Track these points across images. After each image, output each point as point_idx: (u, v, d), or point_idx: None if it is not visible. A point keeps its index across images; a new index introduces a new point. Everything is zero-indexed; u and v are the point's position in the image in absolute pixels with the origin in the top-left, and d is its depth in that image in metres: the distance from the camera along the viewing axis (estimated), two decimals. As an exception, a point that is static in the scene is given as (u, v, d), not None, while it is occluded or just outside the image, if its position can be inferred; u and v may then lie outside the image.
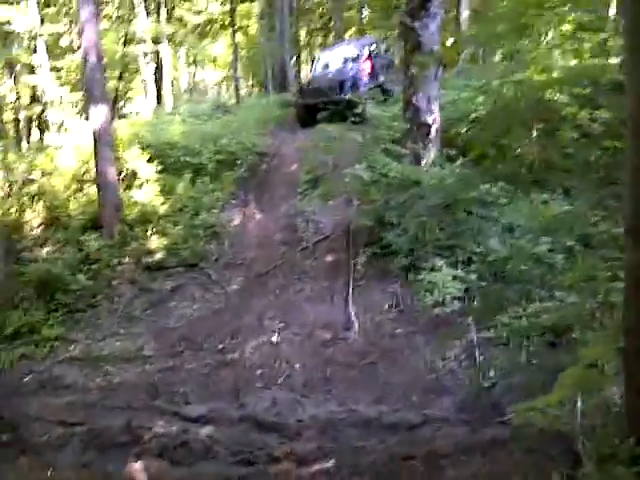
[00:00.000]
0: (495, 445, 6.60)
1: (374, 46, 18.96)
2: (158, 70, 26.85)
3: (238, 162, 13.52)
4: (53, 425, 8.25)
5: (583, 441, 4.41)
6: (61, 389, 9.18)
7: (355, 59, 17.24)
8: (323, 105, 14.61)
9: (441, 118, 11.04)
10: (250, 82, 42.78)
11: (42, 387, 9.23)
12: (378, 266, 10.68)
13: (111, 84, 25.84)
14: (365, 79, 16.65)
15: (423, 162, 10.95)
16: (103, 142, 11.77)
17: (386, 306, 10.18)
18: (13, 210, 13.05)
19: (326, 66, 17.98)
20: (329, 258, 11.05)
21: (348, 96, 14.80)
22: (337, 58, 17.98)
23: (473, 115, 11.37)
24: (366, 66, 16.99)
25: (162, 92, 26.33)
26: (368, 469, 6.70)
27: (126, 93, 30.70)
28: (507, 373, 7.86)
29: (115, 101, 26.89)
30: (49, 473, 6.48)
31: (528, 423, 5.20)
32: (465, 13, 19.71)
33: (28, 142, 23.15)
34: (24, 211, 13.00)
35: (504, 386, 7.60)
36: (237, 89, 23.94)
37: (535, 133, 11.16)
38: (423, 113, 10.73)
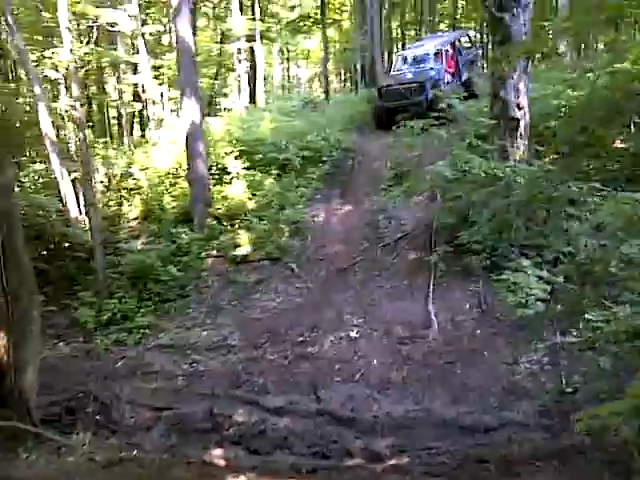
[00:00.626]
0: (574, 453, 6.40)
1: (459, 41, 18.30)
2: (252, 67, 27.51)
3: (323, 158, 13.71)
4: (142, 409, 8.75)
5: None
6: (150, 374, 9.67)
7: (437, 56, 16.58)
8: (402, 108, 14.55)
9: (530, 112, 10.65)
10: (342, 78, 42.97)
11: (133, 372, 9.74)
12: (460, 265, 10.49)
13: (206, 82, 26.82)
14: (447, 78, 16.11)
15: (510, 158, 10.61)
16: (194, 138, 12.27)
17: (467, 306, 10.01)
18: (112, 203, 13.85)
19: (407, 64, 17.34)
20: (410, 255, 10.99)
21: (429, 96, 14.69)
22: (418, 56, 17.26)
23: (563, 109, 10.90)
24: (448, 65, 16.33)
25: (256, 89, 26.95)
26: (440, 469, 6.68)
27: (222, 90, 31.66)
28: (591, 379, 7.55)
29: (211, 99, 27.84)
30: (135, 453, 6.85)
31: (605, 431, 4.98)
32: (563, 1, 18.88)
33: (130, 138, 24.46)
34: (122, 204, 13.78)
35: (587, 392, 7.30)
36: (327, 85, 24.09)
37: (633, 127, 10.60)
38: (511, 107, 10.39)
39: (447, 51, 16.64)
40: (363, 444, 7.63)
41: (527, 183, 9.79)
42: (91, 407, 8.76)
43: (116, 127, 26.09)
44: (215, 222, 12.35)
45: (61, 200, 12.86)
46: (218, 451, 7.67)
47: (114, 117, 26.53)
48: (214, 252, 11.83)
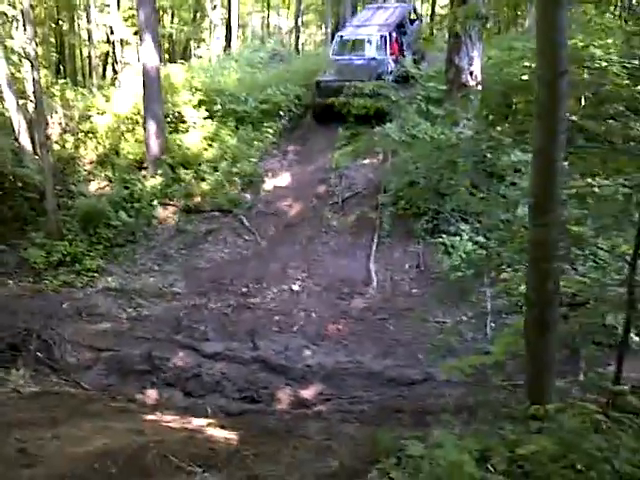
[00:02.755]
0: (482, 406, 6.85)
1: (406, 17, 16.45)
2: (228, 14, 26.86)
3: (281, 113, 13.72)
4: (83, 349, 8.97)
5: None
6: (95, 316, 9.87)
7: (381, 42, 14.68)
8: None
9: (484, 81, 10.82)
10: (324, 30, 42.07)
11: (79, 313, 9.91)
12: (404, 226, 10.82)
13: (178, 27, 26.28)
14: (391, 66, 14.22)
15: (461, 125, 10.83)
16: (151, 85, 12.16)
17: (407, 265, 10.40)
18: (69, 145, 13.71)
19: (347, 50, 15.49)
20: (357, 214, 11.24)
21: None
22: (360, 39, 15.43)
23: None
24: (392, 50, 14.56)
25: (230, 37, 26.38)
26: (358, 417, 7.07)
27: (198, 36, 30.86)
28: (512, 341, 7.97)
29: (187, 44, 27.30)
30: (74, 390, 7.10)
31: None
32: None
33: (97, 81, 23.88)
34: (78, 147, 13.65)
35: (510, 353, 7.74)
36: (297, 38, 23.86)
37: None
38: (464, 74, 10.57)
39: (391, 35, 14.86)
40: (292, 391, 8.01)
41: (473, 149, 10.05)
42: (34, 345, 8.93)
43: (87, 69, 25.39)
44: (169, 170, 12.37)
45: (16, 139, 12.70)
46: (153, 392, 7.97)
47: (86, 58, 25.76)
48: (166, 200, 11.90)
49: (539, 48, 2.88)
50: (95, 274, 10.86)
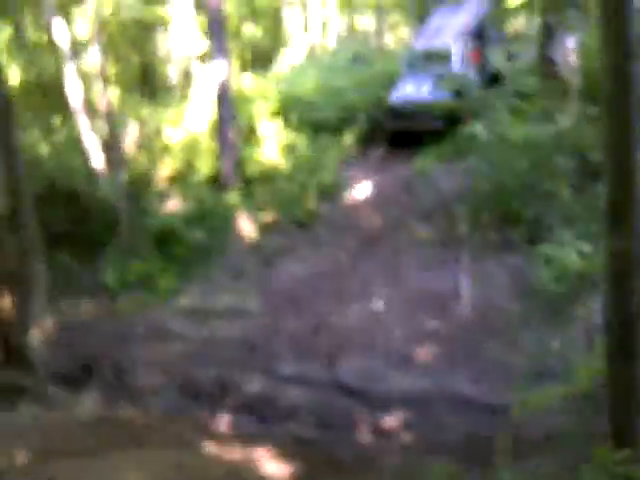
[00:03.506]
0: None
1: (482, 14, 14.97)
2: (305, 18, 27.30)
3: (361, 119, 13.65)
4: (155, 372, 9.22)
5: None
6: (169, 338, 10.12)
7: (458, 51, 13.81)
8: (415, 132, 12.63)
9: (581, 71, 10.32)
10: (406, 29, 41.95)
11: (152, 335, 10.21)
12: (498, 235, 10.42)
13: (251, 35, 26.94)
14: (472, 77, 13.41)
15: (559, 122, 10.37)
16: (223, 100, 12.49)
17: (501, 279, 9.98)
18: (143, 163, 14.27)
19: (419, 65, 14.31)
20: (445, 224, 10.95)
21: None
22: (434, 52, 14.27)
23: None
24: (473, 59, 13.83)
25: (312, 42, 26.75)
26: (444, 448, 6.80)
27: (278, 43, 31.52)
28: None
29: (270, 54, 27.90)
30: (139, 416, 7.26)
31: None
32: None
33: (175, 96, 24.86)
34: (152, 165, 14.18)
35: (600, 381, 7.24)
36: (380, 38, 23.82)
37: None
38: (559, 66, 10.13)
39: (471, 42, 13.95)
40: (372, 419, 7.84)
41: (574, 148, 9.60)
42: (106, 368, 9.30)
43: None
44: (244, 185, 12.60)
45: (89, 160, 13.34)
46: (224, 417, 8.04)
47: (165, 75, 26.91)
48: (241, 216, 12.09)
49: (603, 30, 2.63)
50: (170, 294, 11.14)
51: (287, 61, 23.87)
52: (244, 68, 26.60)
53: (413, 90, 13.48)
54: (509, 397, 7.73)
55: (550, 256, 9.57)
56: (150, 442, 4.67)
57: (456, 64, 13.69)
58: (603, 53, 2.71)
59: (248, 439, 6.58)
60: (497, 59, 12.74)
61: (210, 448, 4.75)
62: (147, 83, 25.49)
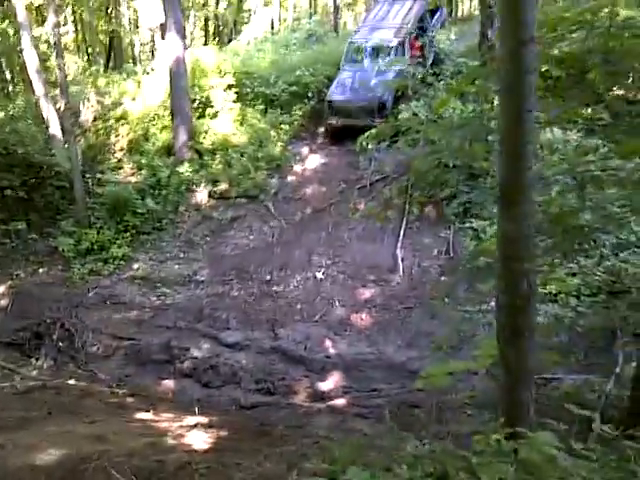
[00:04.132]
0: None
1: (421, 8, 14.03)
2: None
3: (310, 95, 13.37)
4: (105, 338, 9.03)
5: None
6: (119, 305, 9.93)
7: (400, 46, 12.89)
8: (355, 127, 11.18)
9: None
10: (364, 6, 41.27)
11: (103, 301, 10.00)
12: (434, 210, 10.42)
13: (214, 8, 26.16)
14: (411, 68, 12.28)
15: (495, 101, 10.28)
16: (177, 73, 12.04)
17: (435, 252, 10.01)
18: (100, 132, 13.80)
19: (360, 58, 13.32)
20: (385, 199, 10.89)
21: (388, 111, 11.91)
22: (376, 46, 13.24)
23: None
24: (412, 51, 12.89)
25: (271, 18, 26.05)
26: (374, 412, 6.82)
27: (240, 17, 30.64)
28: (545, 332, 7.54)
29: (234, 26, 27.18)
30: (78, 383, 7.08)
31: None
32: None
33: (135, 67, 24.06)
34: (109, 134, 13.73)
35: (541, 345, 7.34)
36: (335, 17, 23.28)
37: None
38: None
39: (412, 33, 13.12)
40: (309, 383, 7.83)
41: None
42: (57, 334, 9.04)
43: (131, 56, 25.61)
44: (196, 156, 12.28)
45: (47, 128, 12.82)
46: (169, 382, 7.93)
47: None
48: (193, 187, 11.82)
49: (502, 12, 2.52)
50: (122, 262, 10.89)
51: (247, 35, 23.27)
52: (206, 41, 25.93)
53: (351, 87, 12.71)
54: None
55: (481, 231, 9.63)
56: (83, 411, 4.54)
57: (395, 58, 12.64)
58: (501, 37, 2.61)
59: (189, 405, 6.44)
60: (439, 43, 12.43)
61: (143, 416, 4.63)
62: (113, 53, 24.66)
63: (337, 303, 9.42)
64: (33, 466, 3.25)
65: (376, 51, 13.12)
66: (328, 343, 8.67)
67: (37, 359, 8.00)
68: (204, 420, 4.58)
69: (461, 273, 9.18)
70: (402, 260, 9.89)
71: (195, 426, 4.25)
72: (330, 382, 7.87)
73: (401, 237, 10.24)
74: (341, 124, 12.27)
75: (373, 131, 10.52)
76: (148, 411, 4.75)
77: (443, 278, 9.56)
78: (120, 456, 3.32)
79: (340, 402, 7.26)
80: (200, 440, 3.83)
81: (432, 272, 9.70)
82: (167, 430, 4.06)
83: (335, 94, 12.68)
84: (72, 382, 5.81)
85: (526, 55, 2.46)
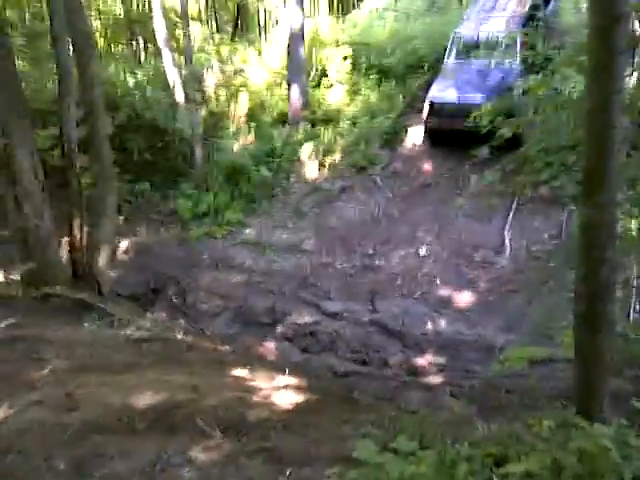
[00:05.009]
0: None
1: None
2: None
3: (425, 66, 13.19)
4: (214, 297, 9.63)
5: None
6: (230, 268, 10.47)
7: (511, 43, 11.42)
8: (459, 132, 10.30)
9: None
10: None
11: (215, 263, 10.59)
12: (548, 191, 10.05)
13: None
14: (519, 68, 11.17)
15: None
16: (294, 42, 12.33)
17: (546, 235, 9.71)
18: (222, 100, 14.39)
19: (467, 53, 12.04)
20: (499, 175, 10.60)
21: None
22: (483, 41, 11.94)
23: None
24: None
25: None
26: (465, 392, 6.86)
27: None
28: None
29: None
30: (199, 336, 7.66)
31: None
32: None
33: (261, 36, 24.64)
34: (230, 102, 14.28)
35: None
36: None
37: None
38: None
39: (525, 25, 11.35)
40: (404, 358, 7.98)
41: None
42: (172, 290, 9.78)
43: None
44: (310, 126, 12.56)
45: (172, 95, 13.55)
46: (270, 344, 8.37)
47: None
48: (304, 157, 12.11)
49: None
50: (234, 226, 11.43)
51: (369, 4, 23.14)
52: (331, 10, 26.01)
53: (456, 85, 11.45)
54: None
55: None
56: (185, 363, 4.97)
57: (506, 54, 11.35)
58: (590, 14, 2.53)
59: (285, 367, 6.77)
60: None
61: (239, 373, 4.99)
62: (240, 22, 25.41)
63: (439, 281, 9.44)
64: (129, 406, 3.67)
65: (485, 45, 11.87)
66: (426, 320, 8.75)
67: (152, 312, 8.66)
68: (294, 382, 4.86)
69: (566, 257, 8.91)
70: (509, 242, 9.70)
71: (284, 387, 4.53)
72: (425, 359, 7.98)
73: (510, 218, 10.01)
74: (444, 127, 11.17)
75: (489, 106, 10.25)
76: (244, 368, 5.10)
77: (551, 263, 9.28)
78: (207, 406, 3.65)
79: (433, 379, 7.36)
80: (285, 400, 4.10)
81: (539, 256, 9.43)
82: (256, 387, 4.36)
83: (438, 93, 11.52)
84: (180, 336, 6.30)
85: (616, 34, 2.38)
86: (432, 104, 11.38)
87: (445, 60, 12.35)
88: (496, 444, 2.37)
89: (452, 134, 10.89)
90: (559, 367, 6.34)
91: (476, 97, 10.50)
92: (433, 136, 11.70)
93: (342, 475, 2.23)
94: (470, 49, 11.98)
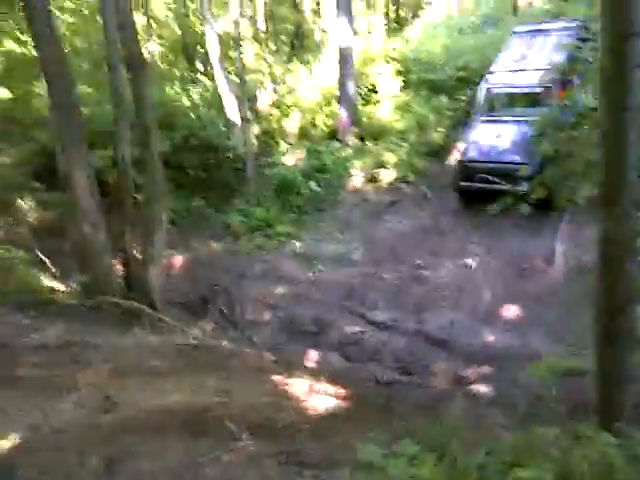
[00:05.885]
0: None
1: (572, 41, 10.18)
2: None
3: (476, 81, 12.92)
4: (262, 308, 9.65)
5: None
6: (279, 278, 10.49)
7: (548, 90, 10.25)
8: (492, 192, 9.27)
9: None
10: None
11: (265, 275, 10.64)
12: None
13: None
14: None
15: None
16: (345, 59, 12.40)
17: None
18: (274, 118, 14.59)
19: (499, 107, 11.01)
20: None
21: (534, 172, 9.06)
22: (517, 92, 10.89)
23: None
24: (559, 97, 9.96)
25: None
26: (508, 402, 6.58)
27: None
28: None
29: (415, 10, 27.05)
30: (245, 344, 7.69)
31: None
32: None
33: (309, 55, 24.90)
34: (282, 120, 14.47)
35: None
36: (515, -1, 22.15)
37: None
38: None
39: (563, 74, 10.06)
40: (449, 368, 7.74)
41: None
42: (222, 300, 9.87)
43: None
44: (359, 142, 12.54)
45: (226, 114, 13.82)
46: (314, 353, 8.29)
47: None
48: (354, 171, 12.10)
49: (603, 4, 2.30)
50: (284, 239, 11.50)
51: (423, 20, 23.04)
52: (388, 26, 26.07)
53: (489, 145, 10.41)
54: (586, 361, 7.34)
55: None
56: (225, 369, 4.97)
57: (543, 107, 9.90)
58: (602, 30, 2.41)
59: (330, 375, 6.70)
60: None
61: (276, 378, 4.96)
62: (298, 42, 25.78)
63: (487, 292, 9.16)
64: (162, 408, 3.68)
65: (518, 99, 10.79)
66: (473, 331, 8.49)
67: (202, 321, 8.75)
68: (330, 388, 4.78)
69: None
70: (561, 253, 9.34)
71: (318, 393, 4.46)
72: (471, 369, 7.71)
73: (562, 229, 9.65)
74: (477, 189, 10.17)
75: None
76: (281, 375, 5.07)
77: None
78: (238, 409, 3.62)
79: (477, 389, 7.11)
80: (318, 405, 4.03)
81: (593, 268, 9.03)
82: (290, 393, 4.31)
83: (470, 153, 10.50)
84: (225, 344, 6.32)
85: (629, 50, 2.26)
86: (465, 165, 10.36)
87: (475, 114, 11.17)
88: (511, 452, 2.24)
89: (487, 194, 9.46)
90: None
91: (514, 158, 9.78)
92: (467, 199, 10.68)
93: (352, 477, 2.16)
94: (502, 103, 10.98)
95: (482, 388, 7.19)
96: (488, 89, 11.06)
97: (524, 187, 9.03)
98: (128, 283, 7.60)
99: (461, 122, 12.52)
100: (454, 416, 5.41)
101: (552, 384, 4.64)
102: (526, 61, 10.96)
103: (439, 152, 11.92)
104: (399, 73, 13.52)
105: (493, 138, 10.45)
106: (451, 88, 13.13)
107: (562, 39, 10.59)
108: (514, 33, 11.94)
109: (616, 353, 2.57)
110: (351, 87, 12.60)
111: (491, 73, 11.24)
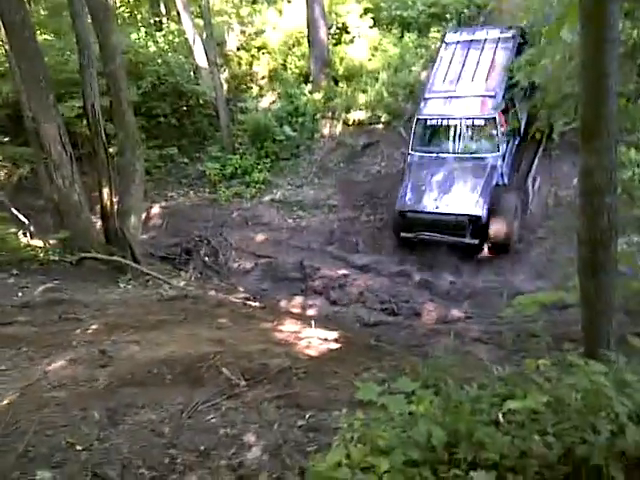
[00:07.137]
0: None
1: (510, 53, 9.59)
2: None
3: (448, 16, 12.73)
4: (245, 255, 9.70)
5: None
6: (259, 226, 10.53)
7: (489, 125, 9.13)
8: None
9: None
10: None
11: (245, 222, 10.65)
12: (576, 137, 9.72)
13: None
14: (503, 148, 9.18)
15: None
16: (313, -2, 12.03)
17: (575, 181, 9.43)
18: (244, 62, 14.23)
19: (433, 142, 9.56)
20: (525, 121, 10.31)
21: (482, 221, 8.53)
22: (451, 124, 9.34)
23: None
24: (502, 124, 9.09)
25: None
26: (495, 338, 6.79)
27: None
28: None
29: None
30: (231, 291, 7.76)
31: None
32: None
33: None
34: (252, 63, 14.12)
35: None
36: None
37: None
38: None
39: (500, 103, 9.18)
40: (433, 307, 7.93)
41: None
42: (204, 250, 9.87)
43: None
44: (332, 83, 12.35)
45: (194, 59, 13.45)
46: (299, 298, 8.41)
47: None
48: (328, 114, 11.96)
49: None
50: (262, 186, 11.45)
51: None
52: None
53: (428, 190, 9.00)
54: (566, 295, 7.56)
55: (628, 160, 8.86)
56: (214, 318, 5.04)
57: (482, 139, 9.21)
58: None
59: (314, 319, 6.81)
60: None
61: (266, 326, 5.05)
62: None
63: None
64: (158, 360, 3.75)
65: (457, 131, 9.29)
66: (454, 269, 8.67)
67: (186, 272, 8.76)
68: (319, 333, 4.89)
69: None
70: (538, 188, 9.48)
71: (309, 338, 4.56)
72: (453, 307, 7.91)
73: (536, 164, 9.75)
74: (419, 239, 8.99)
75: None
76: (271, 322, 5.15)
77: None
78: (232, 358, 3.71)
79: (462, 326, 7.31)
80: (309, 349, 4.14)
81: (568, 202, 9.20)
82: (281, 339, 4.40)
83: (408, 202, 8.99)
84: (212, 293, 6.38)
85: None
86: (404, 215, 9.01)
87: (409, 152, 9.61)
88: (504, 385, 2.35)
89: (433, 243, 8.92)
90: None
91: (458, 208, 8.67)
92: (411, 245, 9.27)
93: (350, 416, 2.25)
94: (440, 136, 9.53)
95: (465, 325, 7.41)
96: (424, 121, 9.55)
97: (471, 240, 8.61)
98: (107, 237, 7.53)
99: (433, 61, 12.37)
100: (443, 353, 5.60)
101: (537, 317, 4.79)
102: (462, 83, 9.65)
103: (412, 91, 11.78)
104: (368, 11, 13.20)
105: (432, 182, 9.10)
106: (423, 25, 12.87)
107: (499, 53, 9.76)
108: (446, 44, 10.54)
109: (600, 284, 2.67)
110: (321, 27, 12.28)
111: (425, 100, 9.74)
